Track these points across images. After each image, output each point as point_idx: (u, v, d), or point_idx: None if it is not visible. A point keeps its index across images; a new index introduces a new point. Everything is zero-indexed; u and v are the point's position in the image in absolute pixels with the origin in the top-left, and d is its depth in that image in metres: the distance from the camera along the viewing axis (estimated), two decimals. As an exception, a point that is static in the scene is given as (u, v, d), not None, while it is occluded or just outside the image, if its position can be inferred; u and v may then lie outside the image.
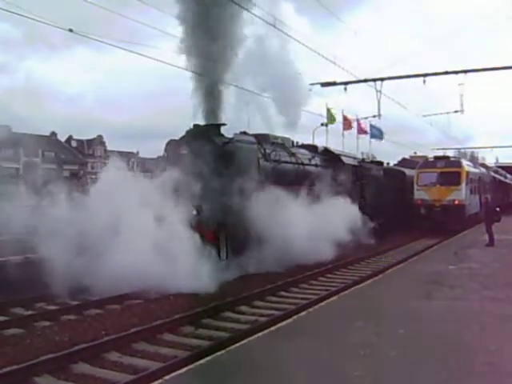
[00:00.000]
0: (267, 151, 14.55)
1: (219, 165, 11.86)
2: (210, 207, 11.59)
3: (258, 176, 13.06)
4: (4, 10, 9.64)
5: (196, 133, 12.73)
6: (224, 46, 13.02)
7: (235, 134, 13.61)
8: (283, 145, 16.05)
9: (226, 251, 11.67)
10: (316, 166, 17.14)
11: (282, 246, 12.16)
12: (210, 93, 13.06)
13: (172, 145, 13.34)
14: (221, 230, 11.75)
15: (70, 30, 9.60)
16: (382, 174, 23.84)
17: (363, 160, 24.64)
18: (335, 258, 14.17)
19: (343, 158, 19.27)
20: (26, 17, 9.86)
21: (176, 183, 10.92)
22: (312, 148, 18.73)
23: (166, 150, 13.47)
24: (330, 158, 18.52)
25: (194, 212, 11.53)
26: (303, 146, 18.79)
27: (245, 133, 14.43)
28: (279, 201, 12.54)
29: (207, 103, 13.10)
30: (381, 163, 26.51)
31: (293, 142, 17.72)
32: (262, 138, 14.93)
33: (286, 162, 15.37)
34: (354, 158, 22.27)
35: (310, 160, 16.92)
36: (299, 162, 16.15)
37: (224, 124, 13.34)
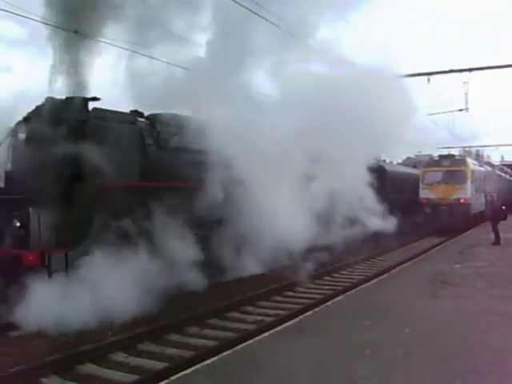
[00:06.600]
0: (162, 136, 10.79)
1: (67, 153, 8.43)
2: (49, 217, 8.04)
3: (138, 168, 9.83)
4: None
5: (46, 110, 8.85)
6: None
7: (94, 109, 9.41)
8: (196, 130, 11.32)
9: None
10: None
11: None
12: (73, 50, 9.29)
13: (14, 127, 9.19)
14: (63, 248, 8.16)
15: (75, 32, 9.56)
16: None
17: None
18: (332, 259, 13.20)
19: None
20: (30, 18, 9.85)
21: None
22: None
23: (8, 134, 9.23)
24: None
25: (17, 224, 8.44)
26: None
27: (136, 111, 10.73)
28: (173, 203, 9.45)
29: (68, 66, 9.24)
30: None
31: None
32: (161, 119, 10.99)
33: (192, 151, 10.72)
34: None
35: None
36: None
37: (96, 98, 9.41)
